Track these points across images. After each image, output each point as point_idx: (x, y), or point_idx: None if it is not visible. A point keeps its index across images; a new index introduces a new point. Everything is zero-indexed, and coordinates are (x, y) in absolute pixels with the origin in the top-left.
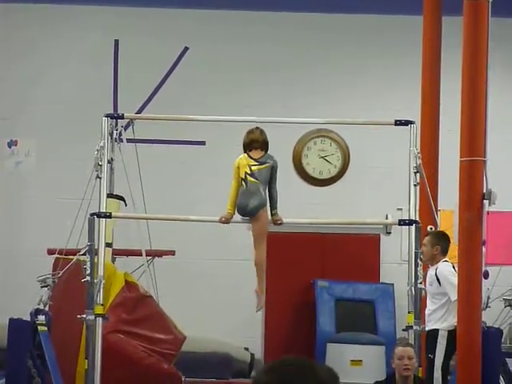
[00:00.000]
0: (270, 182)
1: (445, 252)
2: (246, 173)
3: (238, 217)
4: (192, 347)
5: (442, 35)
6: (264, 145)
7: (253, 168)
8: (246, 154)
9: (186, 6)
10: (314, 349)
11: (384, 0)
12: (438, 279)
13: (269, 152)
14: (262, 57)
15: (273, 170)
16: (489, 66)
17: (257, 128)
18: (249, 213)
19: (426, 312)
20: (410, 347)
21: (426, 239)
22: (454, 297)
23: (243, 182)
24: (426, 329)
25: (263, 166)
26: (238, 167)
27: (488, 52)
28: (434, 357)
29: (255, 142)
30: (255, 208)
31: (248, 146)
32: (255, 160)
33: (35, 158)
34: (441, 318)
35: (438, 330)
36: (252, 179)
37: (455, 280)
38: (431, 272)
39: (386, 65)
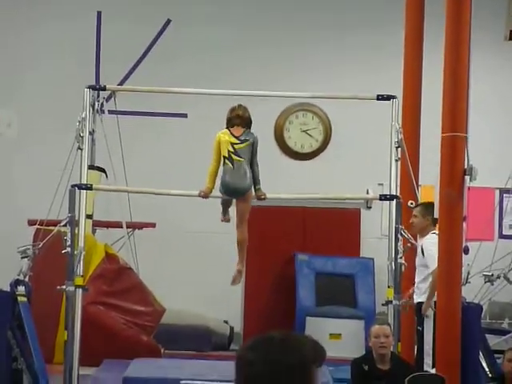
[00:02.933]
0: (251, 157)
1: (435, 223)
2: (229, 151)
3: (217, 191)
4: (171, 320)
5: (425, 10)
6: (246, 122)
7: (236, 146)
8: (227, 130)
9: None
10: (294, 322)
11: None
12: (422, 250)
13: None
14: (244, 33)
15: (253, 146)
16: (471, 42)
17: (240, 105)
18: (239, 193)
19: (415, 284)
20: (386, 325)
21: (417, 210)
22: (431, 267)
23: (228, 161)
24: (414, 301)
25: (245, 144)
26: (219, 143)
27: (471, 28)
28: (423, 329)
29: (238, 119)
30: (246, 189)
31: (230, 122)
32: (237, 138)
33: (17, 129)
34: (426, 291)
35: (423, 302)
36: (237, 158)
37: (436, 251)
38: (420, 243)
39: (369, 41)
